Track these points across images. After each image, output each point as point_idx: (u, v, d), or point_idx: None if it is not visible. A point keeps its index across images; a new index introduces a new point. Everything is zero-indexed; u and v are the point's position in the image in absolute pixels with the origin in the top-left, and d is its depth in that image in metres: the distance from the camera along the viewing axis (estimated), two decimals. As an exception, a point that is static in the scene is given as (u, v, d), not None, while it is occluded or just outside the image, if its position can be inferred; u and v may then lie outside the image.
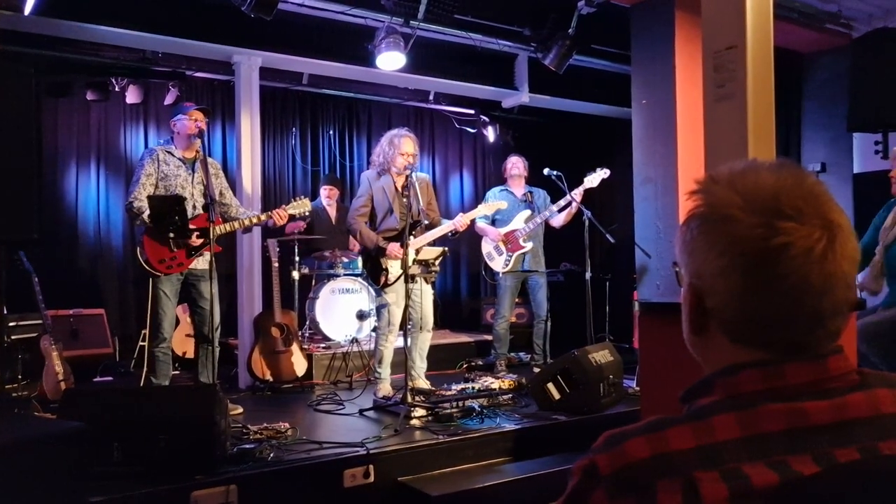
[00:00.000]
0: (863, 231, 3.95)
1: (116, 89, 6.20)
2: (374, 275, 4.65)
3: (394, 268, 4.55)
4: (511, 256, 5.67)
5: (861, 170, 5.52)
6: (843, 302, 0.80)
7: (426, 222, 4.62)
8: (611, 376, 4.30)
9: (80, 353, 5.39)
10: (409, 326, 4.52)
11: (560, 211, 5.63)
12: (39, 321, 4.70)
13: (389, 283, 4.56)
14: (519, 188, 5.89)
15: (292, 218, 4.62)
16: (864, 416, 0.77)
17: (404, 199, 4.50)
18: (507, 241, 5.67)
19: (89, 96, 6.10)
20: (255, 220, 4.46)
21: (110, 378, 5.64)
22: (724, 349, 0.85)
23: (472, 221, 5.25)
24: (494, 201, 5.49)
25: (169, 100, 6.27)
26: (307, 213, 4.72)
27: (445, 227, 4.65)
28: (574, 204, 5.49)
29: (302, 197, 4.66)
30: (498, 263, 5.72)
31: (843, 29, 5.46)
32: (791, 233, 0.77)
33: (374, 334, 4.87)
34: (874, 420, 0.77)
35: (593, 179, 5.47)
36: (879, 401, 0.79)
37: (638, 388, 4.66)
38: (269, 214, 4.45)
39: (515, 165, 5.91)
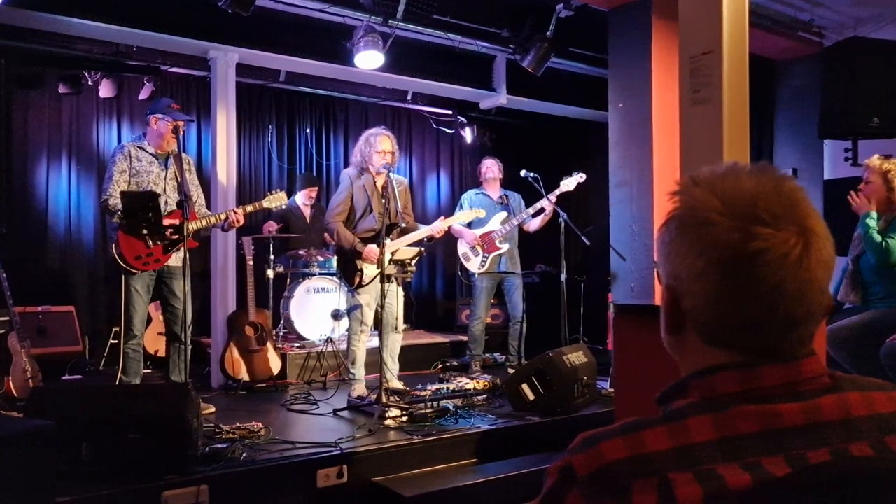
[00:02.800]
0: (838, 237, 4.01)
1: (89, 83, 6.09)
2: (349, 275, 4.63)
3: (369, 269, 4.53)
4: (487, 258, 5.68)
5: (831, 176, 5.62)
6: (816, 307, 0.81)
7: (403, 225, 4.61)
8: (585, 377, 4.33)
9: (48, 350, 5.29)
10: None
11: (535, 215, 5.65)
12: (7, 318, 4.60)
13: (364, 284, 4.54)
14: (494, 191, 5.90)
15: (269, 212, 4.58)
16: (835, 419, 0.78)
17: (383, 200, 4.49)
18: (483, 242, 5.68)
19: (61, 89, 5.99)
20: (212, 221, 4.37)
21: (79, 376, 5.55)
22: (699, 350, 0.85)
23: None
24: (473, 209, 5.49)
25: (144, 94, 6.18)
26: (283, 206, 4.70)
27: (422, 232, 4.64)
28: (549, 209, 5.51)
29: (278, 190, 4.62)
30: (474, 264, 5.73)
31: (815, 37, 5.56)
32: (767, 238, 0.78)
33: (348, 334, 4.84)
34: (845, 422, 0.78)
35: (569, 183, 5.50)
36: (850, 404, 0.80)
37: (611, 390, 4.70)
38: (226, 214, 4.36)
39: (490, 169, 5.93)
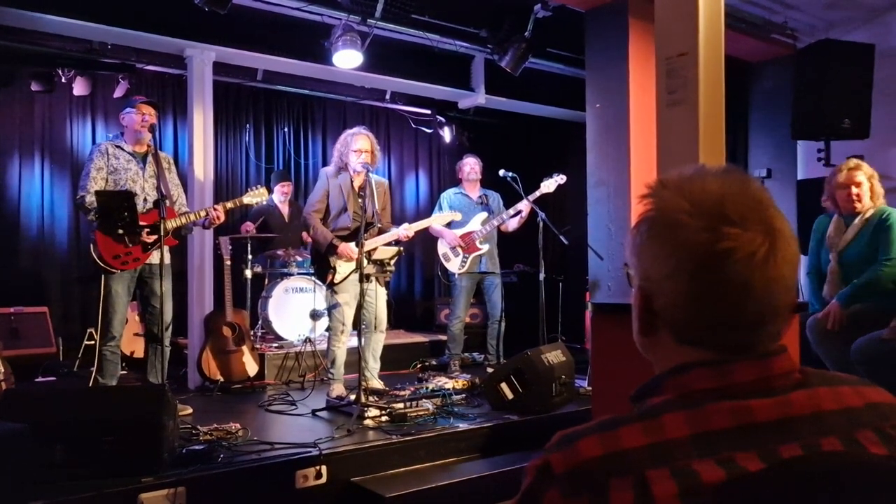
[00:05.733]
0: (805, 237, 4.10)
1: (63, 80, 6.01)
2: (322, 273, 4.62)
3: (342, 267, 4.52)
4: (467, 258, 5.69)
5: (804, 176, 5.70)
6: (783, 305, 0.84)
7: (378, 225, 4.60)
8: (562, 376, 4.35)
9: (21, 352, 5.21)
10: (362, 327, 4.50)
11: (515, 215, 5.67)
12: (-22, 319, 4.53)
13: (336, 282, 4.53)
14: (474, 190, 5.91)
15: (247, 212, 4.56)
16: (806, 414, 0.80)
17: (359, 200, 4.48)
18: (463, 243, 5.68)
19: (34, 87, 5.91)
20: (191, 218, 4.32)
21: (53, 378, 5.47)
22: (671, 349, 0.87)
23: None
24: (447, 212, 5.49)
25: (118, 93, 6.11)
26: (264, 202, 4.68)
27: (390, 234, 4.61)
28: (525, 211, 5.53)
29: (259, 186, 4.59)
30: (454, 264, 5.73)
31: (788, 39, 5.64)
32: (735, 238, 0.80)
33: (327, 334, 4.82)
34: (815, 417, 0.80)
35: (549, 185, 5.53)
36: (820, 398, 0.82)
37: (589, 388, 4.73)
38: (206, 211, 4.33)
39: (474, 169, 5.91)
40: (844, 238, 3.85)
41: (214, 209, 4.31)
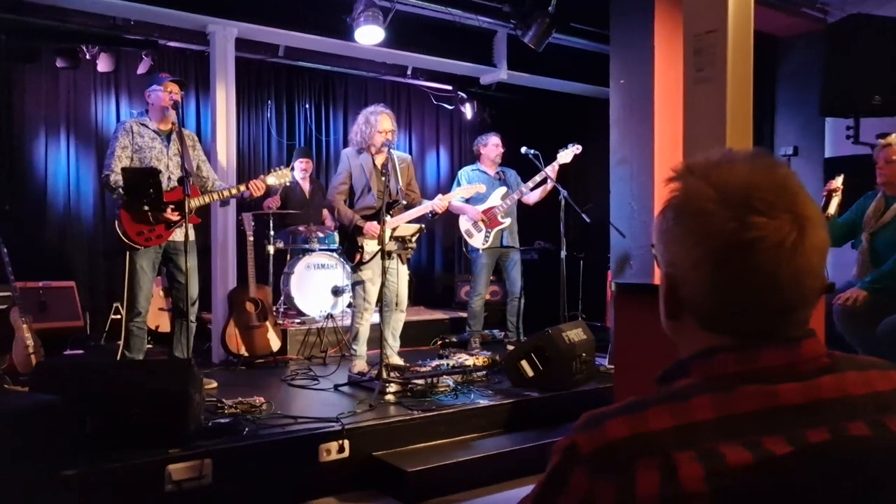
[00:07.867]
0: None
1: (87, 57, 6.04)
2: (350, 252, 4.65)
3: (369, 246, 4.54)
4: (490, 233, 5.68)
5: (832, 154, 5.60)
6: (811, 292, 0.83)
7: (404, 202, 4.60)
8: (583, 354, 4.36)
9: (49, 325, 5.31)
10: (383, 305, 4.53)
11: (535, 188, 5.64)
12: (8, 293, 4.61)
13: (364, 261, 4.56)
14: (492, 168, 5.88)
15: (271, 189, 4.59)
16: (833, 398, 0.80)
17: (382, 178, 4.48)
18: (486, 217, 5.67)
19: (59, 63, 5.94)
20: (231, 192, 4.41)
21: (81, 351, 5.58)
22: (697, 334, 0.87)
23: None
24: (472, 184, 5.47)
25: (142, 69, 6.13)
26: (288, 183, 4.71)
27: (423, 207, 4.64)
28: (549, 181, 5.50)
29: (282, 167, 4.61)
30: (477, 240, 5.72)
31: (818, 14, 5.51)
32: (762, 227, 0.79)
33: (349, 310, 4.86)
34: (843, 401, 0.80)
35: (566, 155, 5.49)
36: (848, 383, 0.82)
37: (610, 366, 4.74)
38: (245, 185, 4.40)
39: (499, 154, 5.84)
40: (882, 220, 3.77)
41: (255, 184, 4.36)
